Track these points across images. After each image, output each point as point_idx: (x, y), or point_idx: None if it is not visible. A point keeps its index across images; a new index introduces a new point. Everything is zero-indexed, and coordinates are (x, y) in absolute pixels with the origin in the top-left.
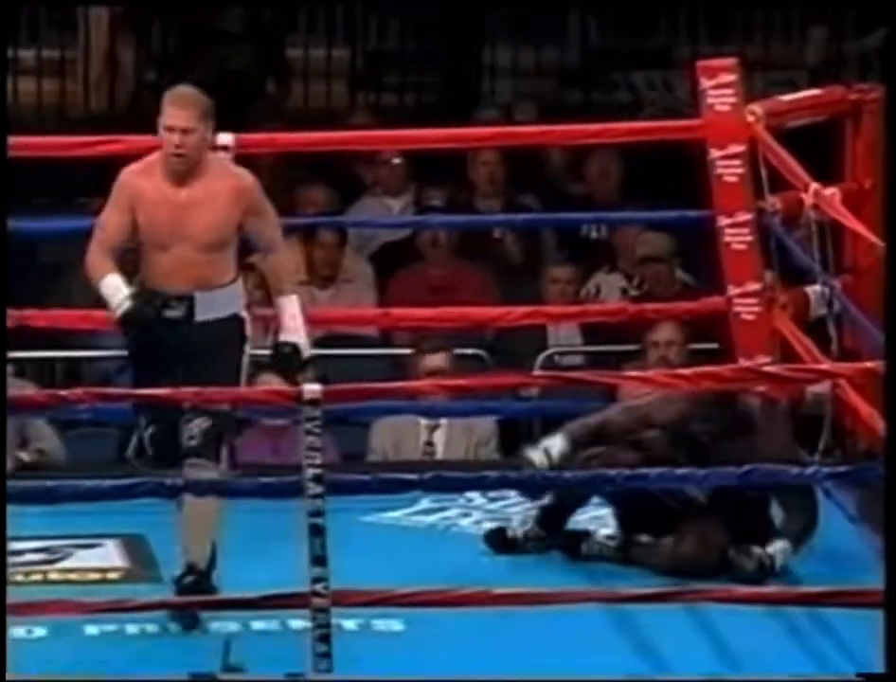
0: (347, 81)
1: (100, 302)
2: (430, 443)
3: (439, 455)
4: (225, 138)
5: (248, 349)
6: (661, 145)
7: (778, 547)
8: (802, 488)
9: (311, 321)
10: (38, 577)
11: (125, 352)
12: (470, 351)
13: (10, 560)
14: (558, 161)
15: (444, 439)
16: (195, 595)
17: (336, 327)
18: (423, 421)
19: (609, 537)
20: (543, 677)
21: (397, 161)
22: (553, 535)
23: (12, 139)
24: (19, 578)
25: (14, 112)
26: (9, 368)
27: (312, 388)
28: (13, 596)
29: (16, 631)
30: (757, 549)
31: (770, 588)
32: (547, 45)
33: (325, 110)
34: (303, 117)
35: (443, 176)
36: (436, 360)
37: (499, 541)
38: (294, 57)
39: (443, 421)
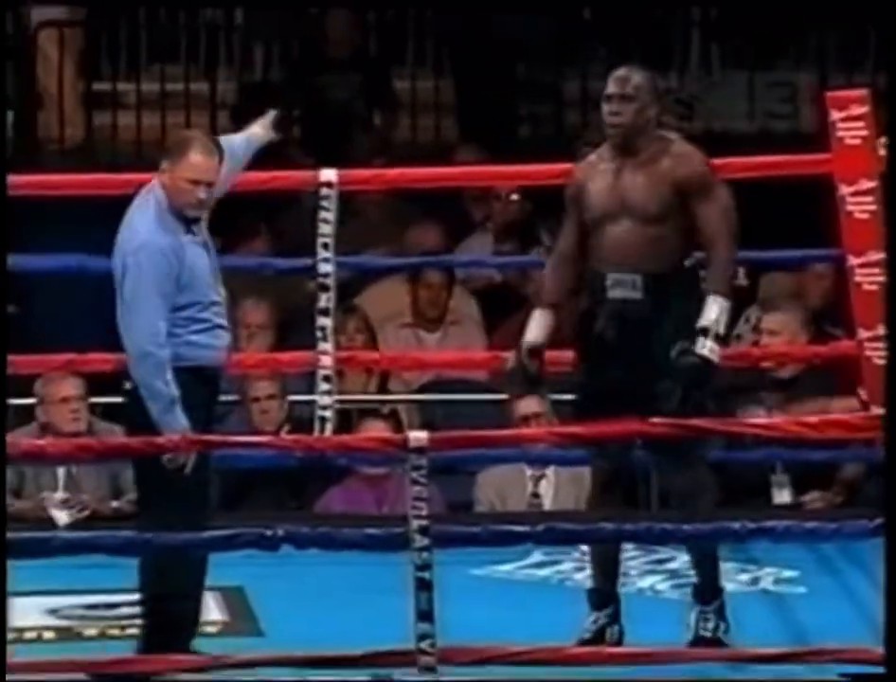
0: (453, 115)
1: None
2: (536, 494)
3: (547, 506)
4: (328, 174)
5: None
6: (785, 180)
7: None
8: None
9: (418, 365)
10: (135, 631)
11: (226, 397)
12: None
13: (106, 613)
14: None
15: (552, 489)
16: None
17: (444, 371)
18: (529, 471)
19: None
20: None
21: (515, 197)
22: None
23: (115, 177)
24: (115, 632)
25: (114, 148)
26: (97, 409)
27: (418, 436)
28: (113, 650)
29: None
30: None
31: None
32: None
33: (433, 144)
34: (410, 152)
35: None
36: (530, 405)
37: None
38: (401, 88)
39: (549, 470)
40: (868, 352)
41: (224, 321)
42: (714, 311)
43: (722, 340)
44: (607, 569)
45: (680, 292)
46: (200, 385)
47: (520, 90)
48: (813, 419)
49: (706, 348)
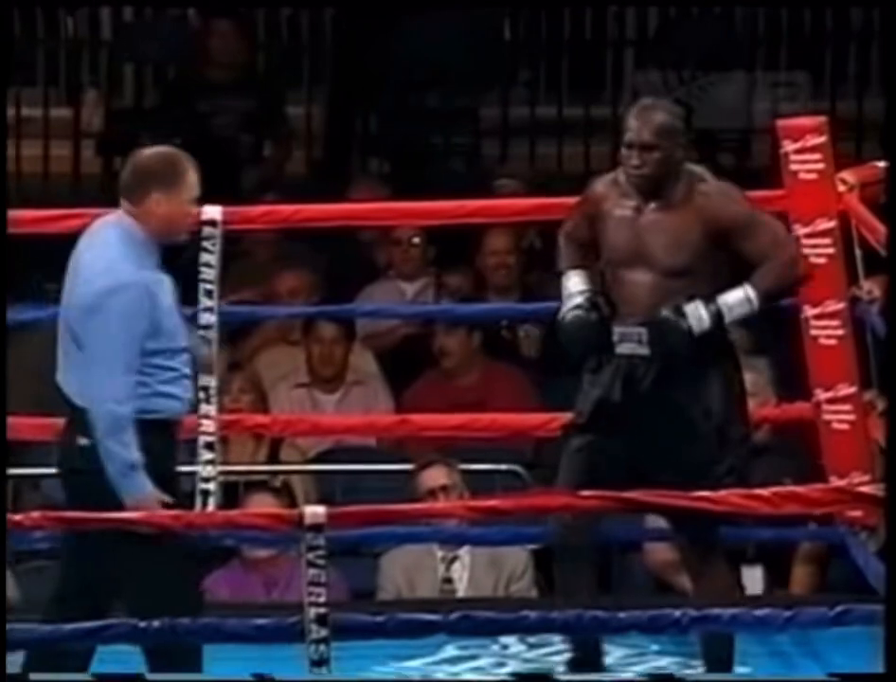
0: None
1: (43, 405)
2: (448, 579)
3: (461, 592)
4: (212, 212)
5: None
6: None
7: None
8: None
9: (314, 430)
10: None
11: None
12: (504, 467)
13: None
14: None
15: (467, 573)
16: None
17: (345, 437)
18: (440, 552)
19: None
20: None
21: (416, 241)
22: None
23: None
24: None
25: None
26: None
27: (314, 511)
28: None
29: None
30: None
31: None
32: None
33: (331, 178)
34: (305, 186)
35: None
36: (436, 476)
37: None
38: (294, 115)
39: (463, 551)
40: (826, 416)
41: (189, 371)
42: (736, 296)
43: (719, 322)
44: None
45: (700, 349)
46: (166, 439)
47: (431, 117)
48: (764, 492)
49: (696, 316)
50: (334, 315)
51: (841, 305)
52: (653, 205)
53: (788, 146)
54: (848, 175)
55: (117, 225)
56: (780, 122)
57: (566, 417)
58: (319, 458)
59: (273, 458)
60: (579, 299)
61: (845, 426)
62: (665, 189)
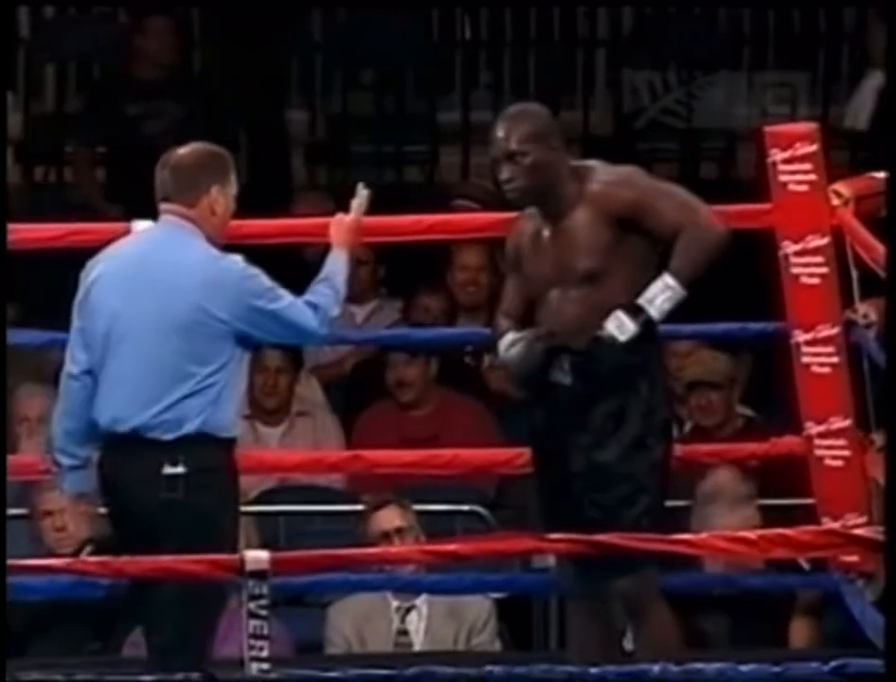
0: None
1: None
2: (404, 631)
3: (418, 646)
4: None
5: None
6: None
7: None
8: None
9: (256, 466)
10: None
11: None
12: (465, 508)
13: None
14: None
15: (424, 624)
16: None
17: (290, 475)
18: (395, 602)
19: None
20: None
21: (363, 258)
22: None
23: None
24: None
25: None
26: None
27: (256, 556)
28: None
29: None
30: None
31: None
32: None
33: (277, 188)
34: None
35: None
36: (391, 517)
37: None
38: None
39: (420, 600)
40: (819, 452)
41: None
42: (656, 289)
43: (648, 326)
44: None
45: (622, 371)
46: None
47: (386, 123)
48: (751, 534)
49: (616, 325)
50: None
51: (835, 330)
52: (548, 216)
53: (776, 155)
54: (842, 187)
55: (178, 229)
56: (768, 129)
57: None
58: (261, 498)
59: None
60: (519, 335)
61: (839, 463)
62: (552, 196)
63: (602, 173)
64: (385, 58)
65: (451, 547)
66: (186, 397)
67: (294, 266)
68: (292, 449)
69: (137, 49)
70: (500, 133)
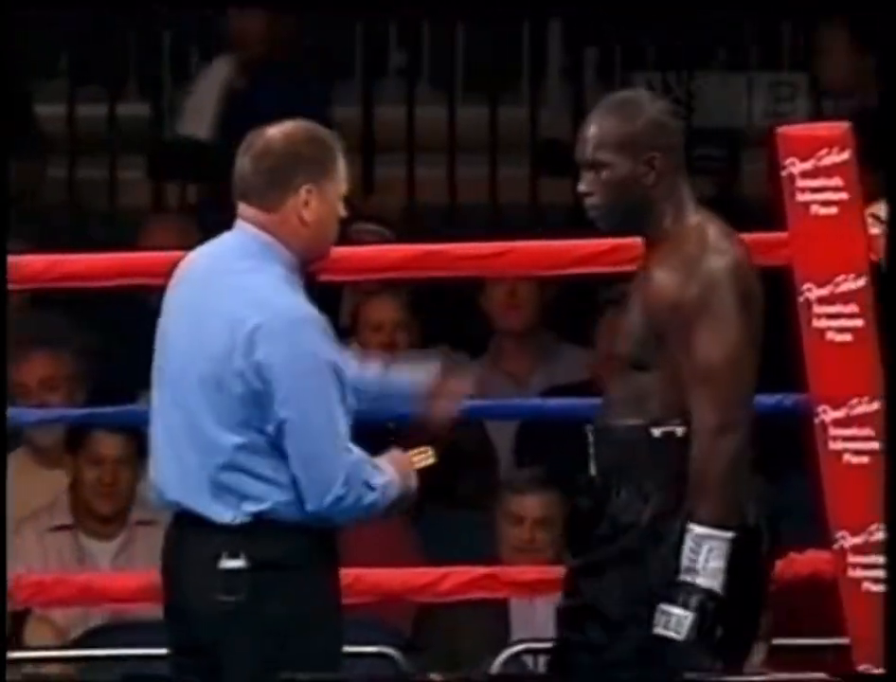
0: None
1: None
2: None
3: None
4: None
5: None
6: None
7: None
8: None
9: (80, 597)
10: None
11: None
12: (371, 649)
13: None
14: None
15: None
16: None
17: (126, 607)
18: None
19: None
20: None
21: None
22: None
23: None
24: None
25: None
26: None
27: None
28: None
29: None
30: None
31: None
32: None
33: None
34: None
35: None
36: None
37: None
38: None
39: None
40: (855, 573)
41: None
42: (689, 550)
43: (714, 600)
44: None
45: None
46: None
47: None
48: (757, 678)
49: (666, 621)
50: (115, 421)
51: (874, 406)
52: (647, 266)
53: (794, 166)
54: (883, 210)
55: (252, 241)
56: (782, 130)
57: (463, 571)
58: (86, 640)
59: (14, 640)
60: None
61: (882, 588)
62: (642, 227)
63: (693, 243)
64: None
65: None
66: None
67: (137, 315)
68: (129, 571)
69: None
70: (584, 131)
